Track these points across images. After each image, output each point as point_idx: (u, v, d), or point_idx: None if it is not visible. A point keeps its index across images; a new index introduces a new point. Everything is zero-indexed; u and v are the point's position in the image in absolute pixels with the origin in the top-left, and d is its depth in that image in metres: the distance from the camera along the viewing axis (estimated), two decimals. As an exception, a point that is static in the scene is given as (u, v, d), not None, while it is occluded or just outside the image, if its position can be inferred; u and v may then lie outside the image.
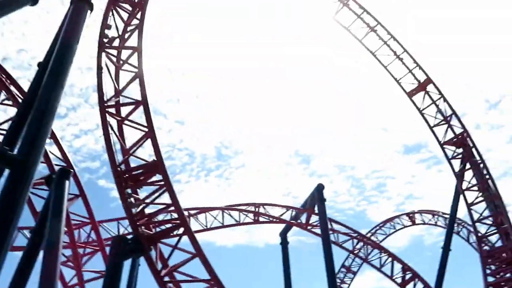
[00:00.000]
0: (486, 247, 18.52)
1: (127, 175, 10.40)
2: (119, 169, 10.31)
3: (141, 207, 10.54)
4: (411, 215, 28.46)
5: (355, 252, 23.13)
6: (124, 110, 11.07)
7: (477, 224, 19.06)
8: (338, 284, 27.77)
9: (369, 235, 27.80)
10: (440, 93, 21.28)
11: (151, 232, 10.42)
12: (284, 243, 21.29)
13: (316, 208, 19.51)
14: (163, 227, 10.93)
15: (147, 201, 10.79)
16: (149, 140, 10.53)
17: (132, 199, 10.51)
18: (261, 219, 20.56)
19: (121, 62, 11.30)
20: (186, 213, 19.77)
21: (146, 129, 10.43)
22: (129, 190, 10.55)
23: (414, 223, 28.54)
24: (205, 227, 19.83)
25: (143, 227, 10.36)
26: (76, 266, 12.35)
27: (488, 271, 17.46)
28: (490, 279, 17.08)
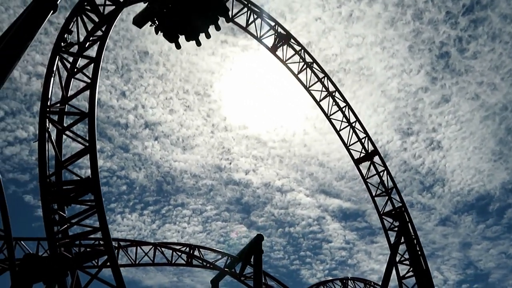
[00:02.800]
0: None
1: (55, 189, 9.29)
2: (48, 180, 9.21)
3: (64, 226, 9.36)
4: (344, 281, 27.99)
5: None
6: (67, 121, 10.18)
7: (406, 297, 18.85)
8: None
9: (300, 295, 26.98)
10: (385, 166, 21.76)
11: (70, 256, 9.19)
12: (214, 291, 20.04)
13: (252, 259, 18.67)
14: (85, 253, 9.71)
15: (73, 221, 9.63)
16: (87, 157, 9.59)
17: (56, 216, 9.33)
18: (194, 262, 19.34)
19: (75, 70, 10.55)
20: (115, 244, 18.32)
21: (87, 144, 9.53)
22: (55, 206, 9.40)
23: (345, 290, 28.06)
24: (133, 262, 18.32)
25: (62, 248, 9.13)
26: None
27: None
28: None
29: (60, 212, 9.61)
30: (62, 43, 10.14)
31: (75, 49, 10.60)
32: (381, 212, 21.04)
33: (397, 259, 19.58)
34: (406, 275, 19.02)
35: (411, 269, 19.09)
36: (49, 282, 8.93)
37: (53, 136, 9.97)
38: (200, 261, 19.37)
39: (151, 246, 18.98)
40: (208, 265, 19.29)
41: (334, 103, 22.04)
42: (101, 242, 9.53)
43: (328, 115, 22.03)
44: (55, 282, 8.94)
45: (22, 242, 15.13)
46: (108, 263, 9.39)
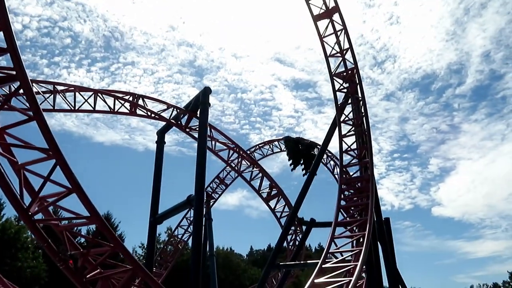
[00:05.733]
0: (345, 176, 19.16)
1: None
2: None
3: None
4: (288, 140, 28.89)
5: (229, 162, 22.65)
6: None
7: (344, 155, 19.53)
8: (210, 192, 27.68)
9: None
10: (344, 25, 20.54)
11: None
12: (160, 142, 19.77)
13: (198, 112, 18.16)
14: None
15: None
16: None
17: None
18: (138, 111, 18.53)
19: None
20: (50, 87, 16.95)
21: None
22: None
23: (290, 149, 29.10)
24: (72, 108, 17.24)
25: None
26: None
27: (342, 196, 18.20)
28: (343, 203, 17.82)
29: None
30: None
31: None
32: (333, 73, 20.57)
33: (342, 119, 19.84)
34: (347, 134, 19.46)
35: (353, 128, 19.49)
36: None
37: None
38: (145, 111, 18.58)
39: (91, 93, 17.77)
40: (152, 115, 18.57)
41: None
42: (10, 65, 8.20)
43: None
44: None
45: None
46: (21, 91, 8.28)
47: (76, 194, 8.91)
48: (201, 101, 17.62)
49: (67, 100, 17.20)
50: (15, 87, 8.36)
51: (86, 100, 17.49)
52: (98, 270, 9.89)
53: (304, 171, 22.44)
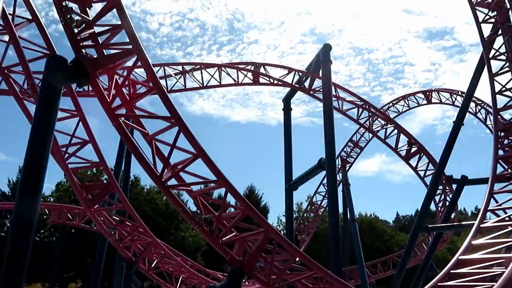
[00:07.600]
0: (502, 121, 15.90)
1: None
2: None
3: (82, 26, 8.28)
4: (427, 93, 25.57)
5: (359, 121, 20.92)
6: None
7: (497, 96, 16.19)
8: (344, 157, 26.51)
9: (380, 112, 25.46)
10: None
11: (95, 57, 8.33)
12: (287, 109, 19.42)
13: (320, 72, 17.08)
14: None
15: (96, 22, 8.50)
16: None
17: (74, 17, 8.24)
18: (261, 80, 18.32)
19: None
20: (180, 68, 17.82)
21: None
22: (71, 5, 8.21)
23: (430, 102, 25.76)
24: (201, 85, 17.91)
25: (86, 50, 8.27)
26: None
27: (500, 146, 15.15)
28: (501, 153, 14.80)
29: (81, 14, 8.47)
30: None
31: None
32: (474, 2, 17.08)
33: (491, 55, 16.39)
34: (500, 72, 16.00)
35: (507, 64, 15.92)
36: (80, 84, 8.41)
37: None
38: (267, 79, 18.27)
39: (216, 68, 18.18)
40: (275, 81, 18.16)
41: None
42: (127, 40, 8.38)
43: None
44: (84, 83, 8.38)
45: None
46: (138, 62, 8.45)
47: (201, 158, 8.89)
48: (322, 60, 16.46)
49: (195, 78, 17.89)
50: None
51: (212, 76, 17.95)
52: (234, 233, 9.88)
53: None
